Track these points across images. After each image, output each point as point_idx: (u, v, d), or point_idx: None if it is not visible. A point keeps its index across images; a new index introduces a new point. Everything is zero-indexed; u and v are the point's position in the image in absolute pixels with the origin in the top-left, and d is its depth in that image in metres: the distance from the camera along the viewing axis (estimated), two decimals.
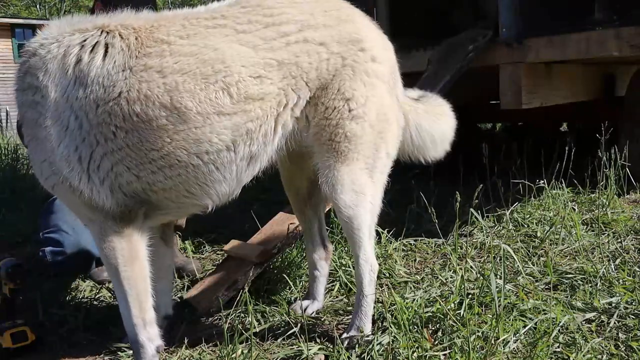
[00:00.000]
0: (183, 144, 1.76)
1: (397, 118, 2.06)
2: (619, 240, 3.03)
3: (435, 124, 2.23)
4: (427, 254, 3.01)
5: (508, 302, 2.19)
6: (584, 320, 2.10)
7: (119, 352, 2.07)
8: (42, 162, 1.80)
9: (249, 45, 1.81)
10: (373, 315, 2.06)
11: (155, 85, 1.72)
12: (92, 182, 1.75)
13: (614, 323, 2.09)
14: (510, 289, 2.33)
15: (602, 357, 1.88)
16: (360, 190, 1.96)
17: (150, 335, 1.87)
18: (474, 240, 3.12)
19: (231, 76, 1.77)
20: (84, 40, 1.76)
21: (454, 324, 1.97)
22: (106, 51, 1.74)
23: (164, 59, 1.74)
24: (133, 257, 1.83)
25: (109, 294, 2.68)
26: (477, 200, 2.73)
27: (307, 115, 1.92)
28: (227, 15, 1.85)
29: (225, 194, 1.92)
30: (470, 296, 2.25)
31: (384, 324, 2.04)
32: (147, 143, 1.74)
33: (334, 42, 1.90)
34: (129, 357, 2.03)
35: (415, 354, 1.85)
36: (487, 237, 3.08)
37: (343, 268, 2.62)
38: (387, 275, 2.68)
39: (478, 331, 1.96)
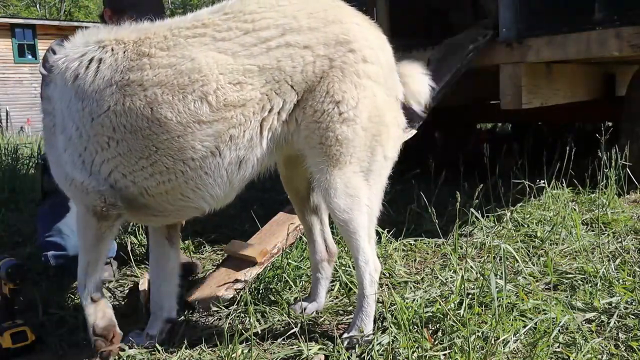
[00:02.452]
0: (168, 152, 1.84)
1: (397, 119, 2.02)
2: (619, 240, 3.03)
3: None
4: (427, 254, 3.01)
5: (508, 302, 2.18)
6: (584, 320, 2.10)
7: (119, 352, 2.07)
8: (54, 163, 1.99)
9: (227, 53, 1.82)
10: (374, 316, 2.05)
11: (137, 98, 1.81)
12: (93, 180, 1.89)
13: (614, 323, 2.09)
14: (510, 289, 2.33)
15: (602, 357, 1.88)
16: (355, 194, 1.93)
17: (88, 288, 2.01)
18: (474, 240, 3.12)
19: (208, 85, 1.80)
20: (83, 56, 1.88)
21: (454, 324, 1.97)
22: (98, 66, 1.85)
23: (144, 72, 1.81)
24: (96, 241, 1.98)
25: (109, 294, 2.68)
26: (477, 200, 2.73)
27: (297, 118, 1.91)
28: (207, 23, 1.87)
29: (219, 197, 1.97)
30: (470, 296, 2.25)
31: (384, 324, 2.04)
32: (136, 152, 1.85)
33: (320, 44, 1.87)
34: (128, 357, 2.03)
35: (415, 354, 1.85)
36: (487, 237, 3.09)
37: (343, 268, 2.62)
38: (387, 275, 2.68)
39: (478, 331, 1.96)
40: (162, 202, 1.95)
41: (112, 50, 1.86)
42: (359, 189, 1.94)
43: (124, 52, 1.84)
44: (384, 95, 1.96)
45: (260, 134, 1.89)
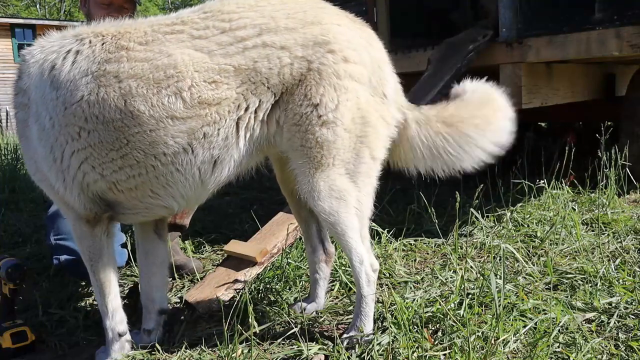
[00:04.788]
0: (139, 145, 1.84)
1: (385, 118, 1.99)
2: (619, 240, 3.03)
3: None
4: (427, 254, 3.02)
5: (508, 302, 2.19)
6: (584, 320, 2.10)
7: None
8: (30, 160, 1.99)
9: (203, 51, 1.82)
10: (373, 315, 2.05)
11: (112, 89, 1.81)
12: (65, 181, 1.89)
13: (614, 323, 2.09)
14: (510, 289, 2.33)
15: (602, 357, 1.88)
16: (341, 196, 1.92)
17: (111, 324, 2.02)
18: (474, 240, 3.12)
19: (183, 81, 1.80)
20: (60, 48, 1.89)
21: (454, 324, 1.97)
22: (75, 57, 1.85)
23: (121, 64, 1.81)
24: (98, 254, 1.99)
25: None
26: (477, 200, 2.73)
27: (278, 120, 1.90)
28: (186, 21, 1.87)
29: (190, 196, 1.97)
30: (470, 296, 2.25)
31: (384, 324, 2.04)
32: (106, 143, 1.84)
33: (297, 45, 1.85)
34: (127, 356, 2.03)
35: (415, 354, 1.85)
36: (487, 237, 3.09)
37: (343, 268, 2.62)
38: (387, 275, 2.68)
39: (478, 331, 1.96)
40: (131, 199, 1.94)
41: (90, 42, 1.86)
42: (346, 191, 1.93)
43: (102, 44, 1.85)
44: (368, 95, 1.93)
45: (237, 134, 1.88)
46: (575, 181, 3.80)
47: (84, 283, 2.81)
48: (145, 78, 1.80)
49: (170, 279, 2.64)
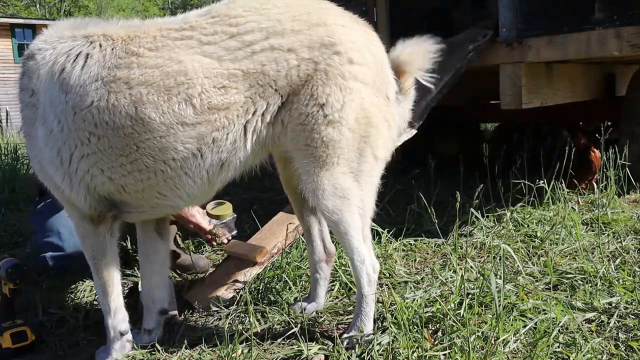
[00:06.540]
0: (149, 151, 1.85)
1: (387, 119, 2.01)
2: (619, 240, 3.03)
3: None
4: (427, 254, 3.02)
5: (508, 302, 2.19)
6: (584, 320, 2.10)
7: None
8: (34, 159, 1.99)
9: (212, 57, 1.83)
10: (373, 315, 2.05)
11: (122, 96, 1.81)
12: (72, 183, 1.90)
13: (614, 323, 2.09)
14: (510, 289, 2.33)
15: (602, 357, 1.88)
16: (344, 195, 1.93)
17: (113, 322, 2.03)
18: (474, 240, 3.12)
19: (193, 88, 1.81)
20: (70, 50, 1.88)
21: (454, 324, 1.97)
22: (85, 61, 1.85)
23: (131, 70, 1.82)
24: (101, 252, 1.99)
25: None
26: (477, 200, 2.73)
27: (282, 120, 1.91)
28: (195, 26, 1.88)
29: (197, 196, 1.99)
30: (470, 296, 2.25)
31: (384, 324, 2.04)
32: (116, 149, 1.85)
33: (304, 47, 1.86)
34: (127, 356, 2.03)
35: (415, 354, 1.85)
36: (487, 237, 3.09)
37: (343, 268, 2.62)
38: (387, 275, 2.68)
39: (478, 331, 1.96)
40: (138, 200, 1.96)
41: (101, 46, 1.86)
42: (349, 190, 1.94)
43: (112, 49, 1.85)
44: (371, 96, 1.95)
45: (244, 137, 1.90)
46: (575, 180, 3.80)
47: (85, 282, 2.81)
48: (156, 85, 1.80)
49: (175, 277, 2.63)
